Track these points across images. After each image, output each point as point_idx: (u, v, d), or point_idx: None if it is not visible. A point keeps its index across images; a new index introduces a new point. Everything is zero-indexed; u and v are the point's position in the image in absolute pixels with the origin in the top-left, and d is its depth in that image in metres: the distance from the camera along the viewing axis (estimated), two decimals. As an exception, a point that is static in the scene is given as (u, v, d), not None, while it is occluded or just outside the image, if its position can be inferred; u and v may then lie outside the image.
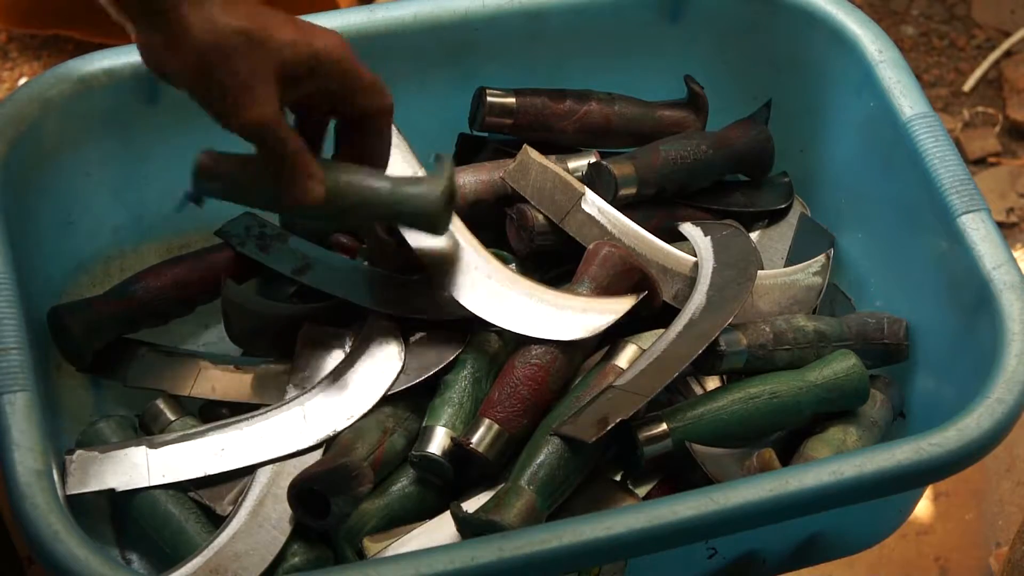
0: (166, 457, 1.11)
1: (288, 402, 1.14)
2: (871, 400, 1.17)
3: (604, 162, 1.24)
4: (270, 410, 1.13)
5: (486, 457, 1.09)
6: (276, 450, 1.11)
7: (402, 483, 1.12)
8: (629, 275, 1.17)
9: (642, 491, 1.12)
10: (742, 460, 1.10)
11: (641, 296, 1.15)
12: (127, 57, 1.21)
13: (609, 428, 1.07)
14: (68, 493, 1.07)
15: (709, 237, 1.23)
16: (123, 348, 1.20)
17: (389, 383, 1.14)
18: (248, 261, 1.23)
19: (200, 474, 1.11)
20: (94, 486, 1.09)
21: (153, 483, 1.10)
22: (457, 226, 1.18)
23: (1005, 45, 2.19)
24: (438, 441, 1.11)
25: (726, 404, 1.12)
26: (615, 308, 1.14)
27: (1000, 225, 1.76)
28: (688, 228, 1.25)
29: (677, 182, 1.26)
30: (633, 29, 1.31)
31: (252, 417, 1.13)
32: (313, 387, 1.14)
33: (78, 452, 1.10)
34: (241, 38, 0.98)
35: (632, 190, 1.24)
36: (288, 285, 1.23)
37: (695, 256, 1.22)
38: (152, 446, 1.11)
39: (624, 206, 1.24)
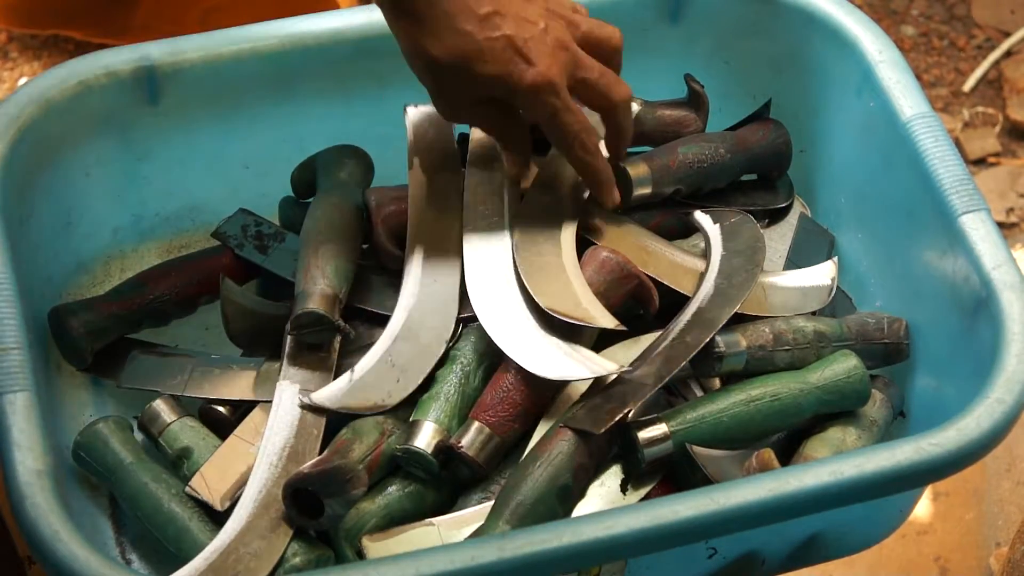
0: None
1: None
2: (871, 400, 1.17)
3: (620, 162, 1.23)
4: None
5: (476, 460, 1.09)
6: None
7: (402, 483, 1.11)
8: (625, 281, 1.16)
9: (642, 492, 1.12)
10: (742, 461, 1.10)
11: (623, 367, 1.12)
12: (127, 57, 1.21)
13: (619, 418, 1.07)
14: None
15: (718, 225, 1.23)
16: (123, 348, 1.20)
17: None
18: (249, 261, 1.23)
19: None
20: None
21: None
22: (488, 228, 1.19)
23: (1005, 45, 2.19)
24: (423, 435, 1.10)
25: (727, 406, 1.12)
26: (597, 367, 1.11)
27: (1000, 225, 1.76)
28: (699, 216, 1.25)
29: (693, 184, 1.26)
30: (633, 29, 1.30)
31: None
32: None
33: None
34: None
35: (647, 190, 1.23)
36: (288, 285, 1.23)
37: (700, 256, 1.22)
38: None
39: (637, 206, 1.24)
